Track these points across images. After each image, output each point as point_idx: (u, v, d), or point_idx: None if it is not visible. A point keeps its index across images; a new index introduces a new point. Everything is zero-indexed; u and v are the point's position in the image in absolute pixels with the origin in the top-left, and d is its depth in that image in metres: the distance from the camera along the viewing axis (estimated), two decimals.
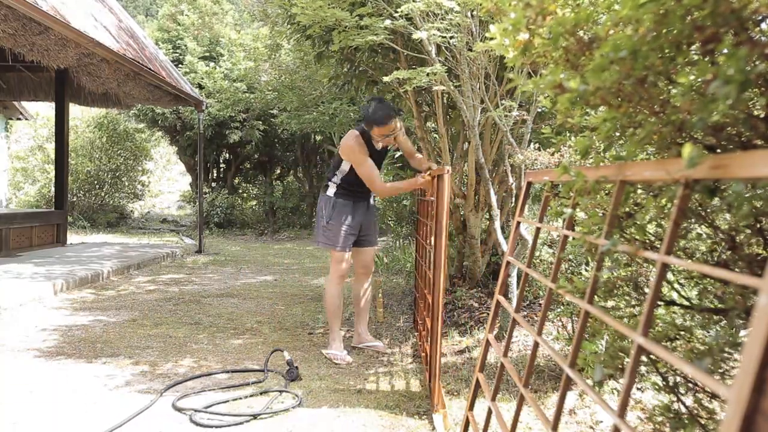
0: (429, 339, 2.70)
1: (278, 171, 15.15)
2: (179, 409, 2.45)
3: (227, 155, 14.67)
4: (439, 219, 2.55)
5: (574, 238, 1.28)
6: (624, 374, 0.93)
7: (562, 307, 3.11)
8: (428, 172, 3.11)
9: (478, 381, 1.89)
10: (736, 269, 1.14)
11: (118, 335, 3.68)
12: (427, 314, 2.93)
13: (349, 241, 3.34)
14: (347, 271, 3.40)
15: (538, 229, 1.64)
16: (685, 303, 1.35)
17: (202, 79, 12.87)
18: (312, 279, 6.32)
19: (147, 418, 2.39)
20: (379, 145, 3.28)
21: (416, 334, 3.85)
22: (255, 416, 2.40)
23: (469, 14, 3.20)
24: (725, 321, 1.19)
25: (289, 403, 2.56)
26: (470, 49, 3.24)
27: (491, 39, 1.24)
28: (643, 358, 1.26)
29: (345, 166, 3.32)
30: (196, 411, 2.40)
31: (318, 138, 12.67)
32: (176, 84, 8.33)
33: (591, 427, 2.29)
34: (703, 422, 1.23)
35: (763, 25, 0.97)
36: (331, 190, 3.35)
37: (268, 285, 5.85)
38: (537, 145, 3.81)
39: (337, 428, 2.32)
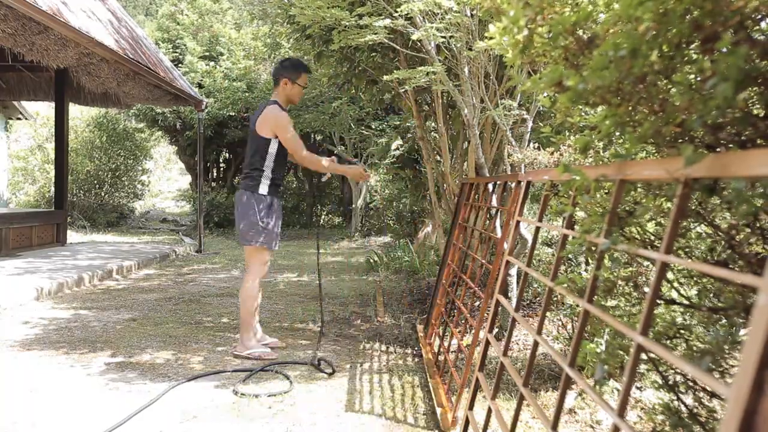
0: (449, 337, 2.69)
1: None
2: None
3: (227, 154, 14.68)
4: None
5: (573, 237, 1.28)
6: (624, 373, 0.93)
7: (564, 308, 3.12)
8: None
9: (477, 380, 1.89)
10: (736, 268, 1.14)
11: (118, 335, 3.68)
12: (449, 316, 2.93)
13: (278, 239, 3.37)
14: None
15: (537, 229, 1.64)
16: (685, 302, 1.35)
17: (202, 78, 12.87)
18: (312, 278, 6.32)
19: (147, 417, 2.39)
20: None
21: (425, 333, 3.85)
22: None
23: (468, 13, 3.20)
24: (725, 320, 1.19)
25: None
26: (470, 49, 3.24)
27: (490, 38, 1.24)
28: (643, 357, 1.26)
29: (273, 147, 3.28)
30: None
31: (318, 137, 12.68)
32: (175, 83, 8.33)
33: (591, 426, 2.29)
34: (702, 421, 1.23)
35: (763, 24, 0.97)
36: (264, 188, 3.29)
37: (268, 284, 5.85)
38: (537, 145, 3.80)
39: (336, 427, 2.32)
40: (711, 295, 1.30)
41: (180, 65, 13.01)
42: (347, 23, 3.35)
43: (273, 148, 3.28)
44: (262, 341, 3.40)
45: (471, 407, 1.94)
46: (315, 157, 3.36)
